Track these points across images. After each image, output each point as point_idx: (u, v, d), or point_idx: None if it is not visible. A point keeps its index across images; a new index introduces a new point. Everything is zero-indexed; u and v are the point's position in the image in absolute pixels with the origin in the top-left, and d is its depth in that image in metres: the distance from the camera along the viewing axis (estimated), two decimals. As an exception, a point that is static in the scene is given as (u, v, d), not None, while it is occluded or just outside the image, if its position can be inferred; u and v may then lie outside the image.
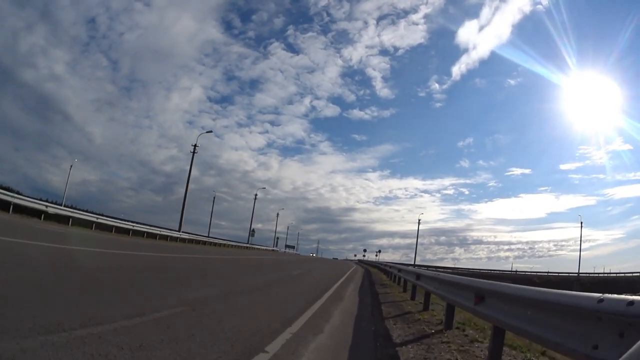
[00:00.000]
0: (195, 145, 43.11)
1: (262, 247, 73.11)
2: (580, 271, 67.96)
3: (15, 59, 71.41)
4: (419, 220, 72.72)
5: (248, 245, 64.39)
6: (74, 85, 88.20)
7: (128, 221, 32.86)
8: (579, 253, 69.96)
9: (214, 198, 68.44)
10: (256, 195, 68.80)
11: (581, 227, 70.00)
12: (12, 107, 73.11)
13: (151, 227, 35.60)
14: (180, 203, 40.49)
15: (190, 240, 41.47)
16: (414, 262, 69.31)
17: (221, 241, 53.06)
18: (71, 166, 48.90)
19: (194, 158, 43.37)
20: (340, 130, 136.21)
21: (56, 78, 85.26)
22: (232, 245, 54.35)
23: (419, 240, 75.84)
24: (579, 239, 68.25)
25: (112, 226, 29.32)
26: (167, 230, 38.78)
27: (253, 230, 67.08)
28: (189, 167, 42.69)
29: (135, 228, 32.40)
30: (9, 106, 70.44)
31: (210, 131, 46.48)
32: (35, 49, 76.35)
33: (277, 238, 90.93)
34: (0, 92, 67.08)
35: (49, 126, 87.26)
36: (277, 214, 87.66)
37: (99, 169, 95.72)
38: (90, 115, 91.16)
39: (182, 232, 40.68)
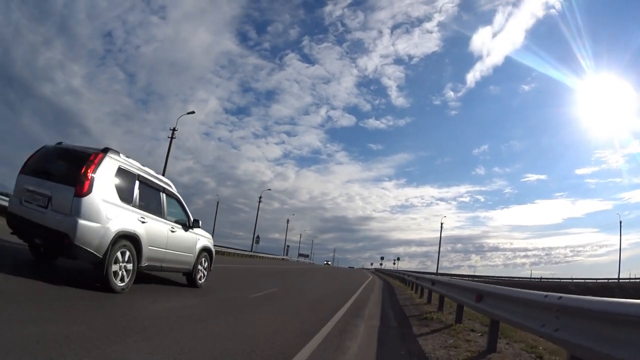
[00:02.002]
0: (173, 129, 35.76)
1: (270, 256, 64.87)
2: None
3: (34, 73, 71.05)
4: (442, 224, 63.85)
5: (252, 253, 56.25)
6: (91, 99, 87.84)
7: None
8: (618, 257, 60.13)
9: (217, 203, 61.39)
10: (260, 198, 61.13)
11: (620, 226, 60.29)
12: (31, 121, 72.94)
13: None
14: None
15: None
16: (437, 270, 60.31)
17: (220, 249, 45.29)
18: None
19: (172, 143, 36.14)
20: (356, 140, 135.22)
21: (74, 92, 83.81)
22: (231, 254, 46.57)
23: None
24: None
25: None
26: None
27: (257, 237, 59.17)
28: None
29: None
30: (28, 120, 70.39)
31: (193, 112, 38.03)
32: (53, 63, 75.60)
33: (288, 246, 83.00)
34: (20, 106, 64.14)
35: (66, 139, 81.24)
36: (287, 221, 79.77)
37: None
38: (107, 128, 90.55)
39: None
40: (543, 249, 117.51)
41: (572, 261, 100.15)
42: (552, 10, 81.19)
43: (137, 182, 6.79)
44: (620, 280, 55.59)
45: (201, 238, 8.99)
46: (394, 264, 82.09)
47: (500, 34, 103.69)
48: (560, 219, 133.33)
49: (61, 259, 7.11)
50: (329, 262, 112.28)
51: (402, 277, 27.61)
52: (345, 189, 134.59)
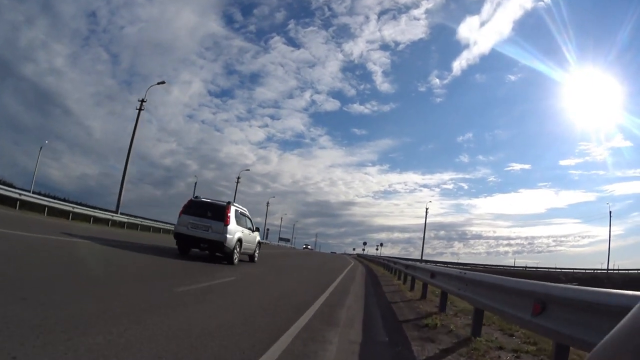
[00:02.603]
0: (142, 100, 32.31)
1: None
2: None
3: (15, 53, 66.53)
4: (427, 209, 61.07)
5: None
6: (74, 79, 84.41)
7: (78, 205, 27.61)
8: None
9: (195, 184, 58.23)
10: (238, 178, 57.59)
11: (610, 216, 58.73)
12: (12, 102, 68.76)
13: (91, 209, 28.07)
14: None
15: (133, 225, 30.81)
16: (421, 256, 57.99)
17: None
18: (41, 148, 43.53)
19: (140, 115, 33.12)
20: (340, 125, 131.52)
21: (56, 72, 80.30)
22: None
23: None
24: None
25: (69, 212, 24.43)
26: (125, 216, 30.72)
27: (236, 220, 55.61)
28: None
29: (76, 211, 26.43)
30: (9, 100, 65.84)
31: (163, 82, 34.50)
32: (35, 43, 71.13)
33: (268, 230, 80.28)
34: (1, 86, 63.13)
35: (48, 120, 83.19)
36: (267, 203, 76.90)
37: (99, 162, 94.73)
38: (90, 109, 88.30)
39: (122, 214, 30.02)
40: (526, 238, 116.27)
41: (555, 251, 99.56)
42: (540, 3, 79.12)
43: (239, 214, 13.82)
44: (609, 271, 54.34)
45: (257, 236, 15.95)
46: (377, 249, 79.80)
47: (487, 23, 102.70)
48: (543, 209, 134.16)
49: (191, 252, 13.61)
50: (309, 246, 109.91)
51: (387, 264, 24.92)
52: (328, 173, 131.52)
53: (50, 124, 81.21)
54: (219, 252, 12.66)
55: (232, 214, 12.96)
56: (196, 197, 13.91)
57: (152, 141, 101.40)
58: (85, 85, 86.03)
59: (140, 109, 33.23)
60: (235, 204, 13.74)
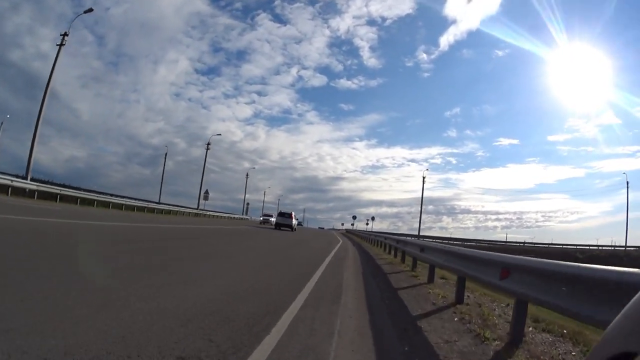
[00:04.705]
0: (64, 34, 25.18)
1: (224, 214, 54.55)
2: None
3: (1, 40, 61.79)
4: (424, 177, 53.25)
5: (198, 211, 45.81)
6: (59, 62, 76.89)
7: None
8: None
9: (166, 155, 50.85)
10: (208, 144, 49.83)
11: (627, 187, 52.16)
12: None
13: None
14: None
15: (48, 194, 23.60)
16: (419, 232, 50.83)
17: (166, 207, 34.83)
18: (2, 123, 41.76)
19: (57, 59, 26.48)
20: (327, 100, 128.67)
21: (43, 56, 76.83)
22: (175, 212, 37.93)
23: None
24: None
25: (35, 190, 22.43)
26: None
27: (206, 192, 48.36)
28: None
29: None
30: None
31: (91, 9, 28.03)
32: (21, 29, 68.64)
33: (248, 204, 73.67)
34: None
35: (35, 105, 77.51)
36: (247, 175, 69.92)
37: (87, 145, 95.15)
38: (76, 91, 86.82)
39: (33, 180, 23.52)
40: (515, 212, 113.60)
41: (543, 226, 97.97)
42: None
43: (294, 215, 39.05)
44: (627, 248, 48.15)
45: (297, 222, 46.69)
46: (367, 224, 73.06)
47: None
48: (532, 184, 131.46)
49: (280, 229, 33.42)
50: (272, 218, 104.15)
51: (395, 245, 17.31)
52: (316, 148, 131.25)
53: (36, 108, 76.03)
54: (289, 229, 34.76)
55: (293, 215, 37.13)
56: (280, 211, 39.72)
57: (140, 121, 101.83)
58: (71, 68, 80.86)
59: (61, 44, 25.92)
60: (293, 212, 37.48)
